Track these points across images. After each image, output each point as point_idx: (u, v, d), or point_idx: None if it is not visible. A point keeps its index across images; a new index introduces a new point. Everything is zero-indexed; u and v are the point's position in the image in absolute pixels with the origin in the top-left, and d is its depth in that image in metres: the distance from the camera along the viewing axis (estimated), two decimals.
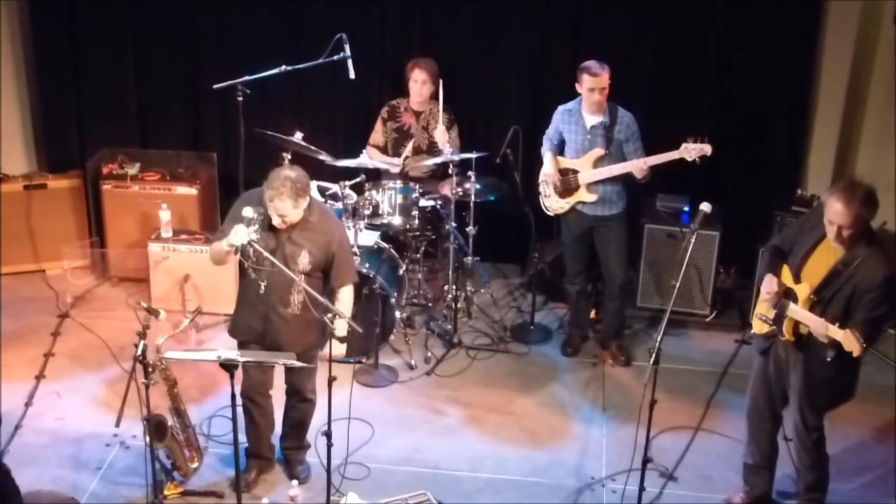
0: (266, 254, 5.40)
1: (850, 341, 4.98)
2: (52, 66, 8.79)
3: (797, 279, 5.44)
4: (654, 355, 5.30)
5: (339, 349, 5.55)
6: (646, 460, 5.53)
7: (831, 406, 5.62)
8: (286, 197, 5.31)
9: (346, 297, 5.82)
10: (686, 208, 7.84)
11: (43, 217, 8.49)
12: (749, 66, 8.11)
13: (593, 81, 6.85)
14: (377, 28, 8.19)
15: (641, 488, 5.61)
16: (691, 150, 6.78)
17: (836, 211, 5.07)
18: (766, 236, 7.71)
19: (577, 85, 6.97)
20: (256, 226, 5.36)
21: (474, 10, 8.29)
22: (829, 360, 5.10)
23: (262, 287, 5.68)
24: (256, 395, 6.01)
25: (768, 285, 5.44)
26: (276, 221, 5.44)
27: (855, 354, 5.00)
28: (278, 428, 6.28)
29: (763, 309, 5.54)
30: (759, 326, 5.67)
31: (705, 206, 5.68)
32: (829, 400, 5.58)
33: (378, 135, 7.89)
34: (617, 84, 6.99)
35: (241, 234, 5.32)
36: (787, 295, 5.45)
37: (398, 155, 7.86)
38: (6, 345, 7.47)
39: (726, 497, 6.12)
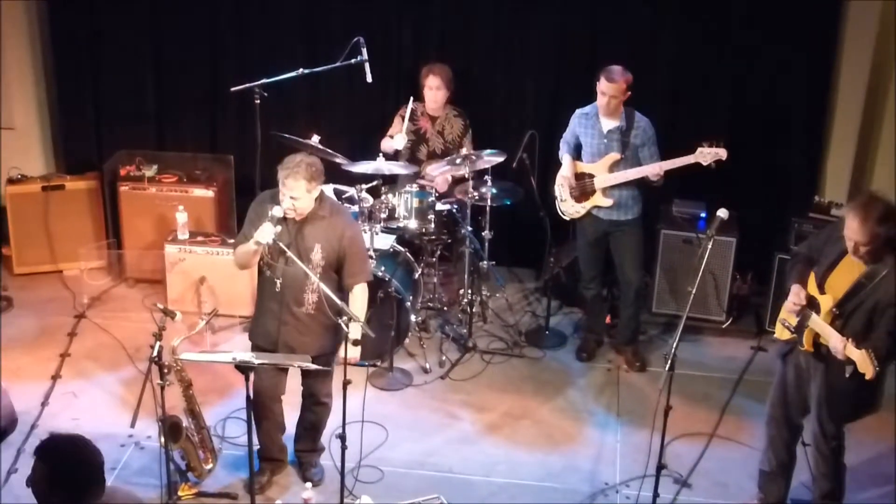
0: (288, 252, 5.46)
1: (864, 362, 4.96)
2: (70, 68, 8.84)
3: (821, 290, 5.40)
4: (669, 361, 5.28)
5: (353, 353, 5.56)
6: (660, 466, 5.52)
7: (853, 417, 5.58)
8: (300, 176, 5.37)
9: (360, 297, 5.81)
10: (703, 214, 7.83)
11: (60, 218, 8.52)
12: (767, 72, 8.08)
13: (607, 87, 6.85)
14: (394, 32, 8.20)
15: (655, 495, 5.60)
16: (706, 155, 6.75)
17: (852, 228, 5.07)
18: (783, 243, 7.74)
19: (598, 81, 6.97)
20: (280, 227, 5.44)
21: (490, 14, 8.29)
22: (847, 375, 5.10)
23: (278, 284, 5.72)
24: (268, 398, 6.01)
25: (796, 296, 5.41)
26: (286, 205, 5.46)
27: (868, 377, 4.97)
28: (291, 430, 6.29)
29: (786, 315, 5.52)
30: (781, 332, 5.64)
31: (722, 213, 5.67)
32: (851, 411, 5.54)
33: (397, 128, 7.84)
34: (634, 88, 6.97)
35: (267, 232, 5.40)
36: (810, 304, 5.42)
37: (414, 156, 7.89)
38: (23, 345, 7.53)
39: (741, 503, 6.13)
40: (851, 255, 5.19)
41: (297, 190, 5.41)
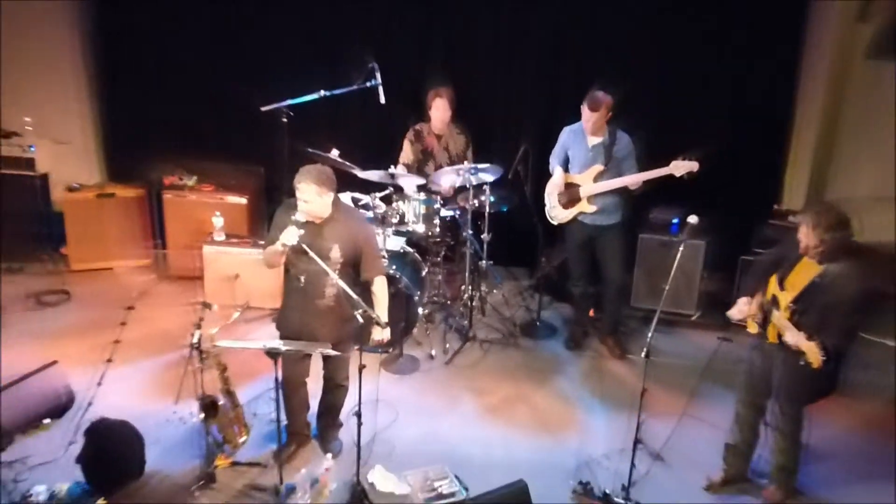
0: (310, 252, 5.51)
1: (812, 354, 5.09)
2: (119, 90, 8.90)
3: (781, 286, 5.52)
4: (645, 350, 5.37)
5: (382, 335, 5.67)
6: (636, 442, 5.58)
7: (810, 401, 5.63)
8: (311, 181, 5.48)
9: (380, 288, 5.90)
10: (676, 220, 7.87)
11: (111, 222, 8.57)
12: (735, 95, 8.13)
13: (587, 115, 6.98)
14: (403, 58, 8.24)
15: (632, 466, 5.66)
16: (680, 167, 6.82)
17: (803, 232, 5.26)
18: (747, 246, 7.80)
19: (582, 105, 7.03)
20: (303, 230, 5.51)
21: (490, 40, 8.34)
22: (801, 363, 5.17)
23: (302, 280, 5.79)
24: (294, 380, 6.08)
25: (738, 311, 5.65)
26: (301, 208, 5.56)
27: (814, 366, 5.08)
28: (314, 408, 6.35)
29: (752, 315, 5.65)
30: (751, 326, 5.75)
31: (693, 219, 5.75)
32: (809, 395, 5.60)
33: (408, 154, 7.92)
34: (618, 106, 7.05)
35: (291, 234, 5.48)
36: (773, 301, 5.55)
37: (421, 170, 7.93)
38: (79, 333, 7.59)
39: (707, 475, 6.14)
40: (805, 255, 5.32)
41: (309, 193, 5.51)
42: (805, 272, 5.42)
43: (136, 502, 4.00)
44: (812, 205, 5.43)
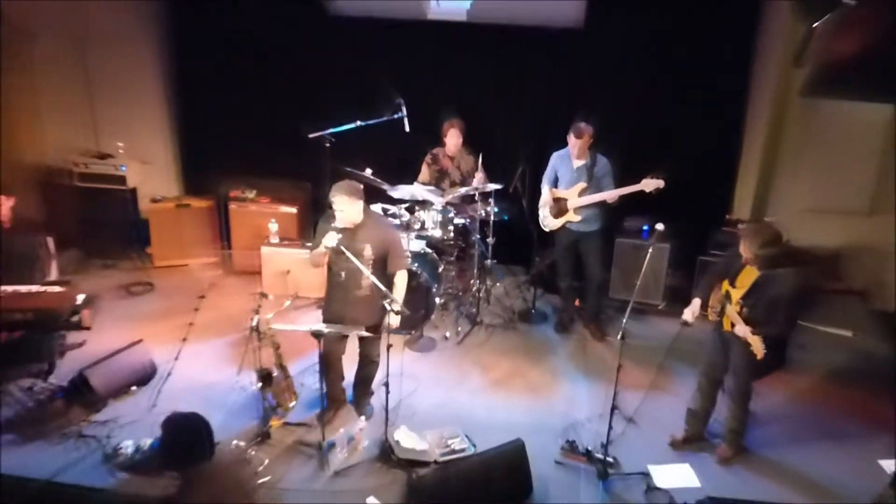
0: (346, 252, 5.55)
1: (756, 346, 5.18)
2: (193, 117, 8.93)
3: (732, 284, 5.55)
4: (621, 333, 5.37)
5: (395, 321, 5.66)
6: (613, 407, 5.57)
7: (758, 376, 5.65)
8: (343, 193, 5.57)
9: (400, 280, 5.88)
10: (646, 227, 7.83)
11: (188, 227, 8.58)
12: (694, 124, 8.07)
13: (573, 141, 6.98)
14: (425, 95, 8.20)
15: (609, 427, 5.65)
16: (650, 184, 6.80)
17: (742, 246, 5.33)
18: (704, 249, 7.79)
19: (568, 135, 7.01)
20: (340, 235, 5.53)
21: (493, 81, 8.32)
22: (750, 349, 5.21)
23: (342, 275, 5.80)
24: (334, 356, 6.09)
25: (690, 312, 5.66)
26: (338, 216, 5.62)
27: (759, 357, 5.18)
28: (350, 378, 6.33)
29: (714, 304, 5.68)
30: (711, 315, 5.76)
31: (659, 226, 5.76)
32: (758, 371, 5.60)
33: (425, 175, 7.89)
34: (597, 135, 7.04)
35: (331, 239, 5.53)
36: (727, 297, 5.58)
37: (438, 186, 7.88)
38: (160, 317, 7.61)
39: (671, 434, 6.13)
40: (747, 262, 5.37)
41: (342, 203, 5.57)
42: (749, 275, 5.44)
43: (205, 477, 3.98)
44: (749, 224, 5.45)
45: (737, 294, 5.47)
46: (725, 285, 5.61)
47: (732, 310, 5.45)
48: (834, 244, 8.28)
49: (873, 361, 7.25)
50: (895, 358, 7.31)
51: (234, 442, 5.82)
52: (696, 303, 5.69)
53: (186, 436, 3.94)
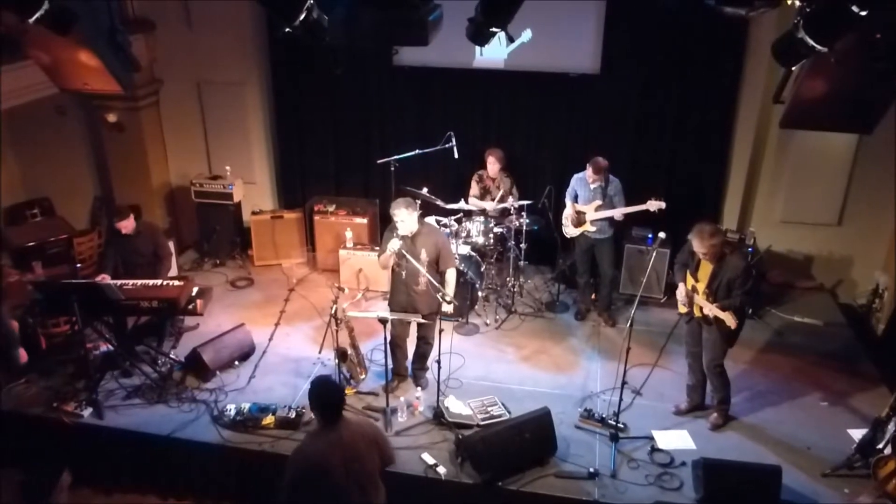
0: (407, 255, 5.57)
1: (729, 319, 5.24)
2: (286, 145, 8.95)
3: (695, 278, 5.58)
4: (630, 320, 5.31)
5: (448, 309, 5.68)
6: (623, 382, 5.52)
7: (730, 343, 5.60)
8: (401, 206, 5.59)
9: (451, 276, 5.88)
10: (650, 236, 7.68)
11: (281, 234, 8.59)
12: (688, 151, 7.95)
13: (590, 173, 6.90)
14: (470, 128, 8.17)
15: (620, 399, 5.60)
16: (653, 205, 6.75)
17: (695, 246, 5.40)
18: None
19: (587, 165, 6.96)
20: (402, 241, 5.55)
21: (526, 117, 8.24)
22: (716, 331, 5.41)
23: (404, 274, 5.79)
24: (398, 338, 6.09)
25: (680, 294, 5.70)
26: (399, 226, 5.62)
27: (732, 327, 5.27)
28: (410, 356, 6.33)
29: (681, 301, 5.72)
30: (681, 308, 5.78)
31: (661, 234, 5.72)
32: (728, 340, 5.56)
33: (475, 190, 7.81)
34: (611, 160, 6.97)
35: (395, 244, 5.56)
36: (693, 289, 5.60)
37: (482, 201, 7.83)
38: (258, 306, 7.69)
39: (675, 404, 6.06)
40: (703, 259, 5.45)
41: (401, 215, 5.59)
42: (706, 268, 5.48)
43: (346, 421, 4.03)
44: (695, 227, 5.42)
45: (701, 286, 5.50)
46: (690, 281, 5.61)
47: (700, 298, 5.48)
48: (807, 250, 8.09)
49: (840, 346, 7.06)
50: (859, 343, 7.13)
51: None
52: (682, 287, 5.68)
53: (323, 391, 3.98)
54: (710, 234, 5.31)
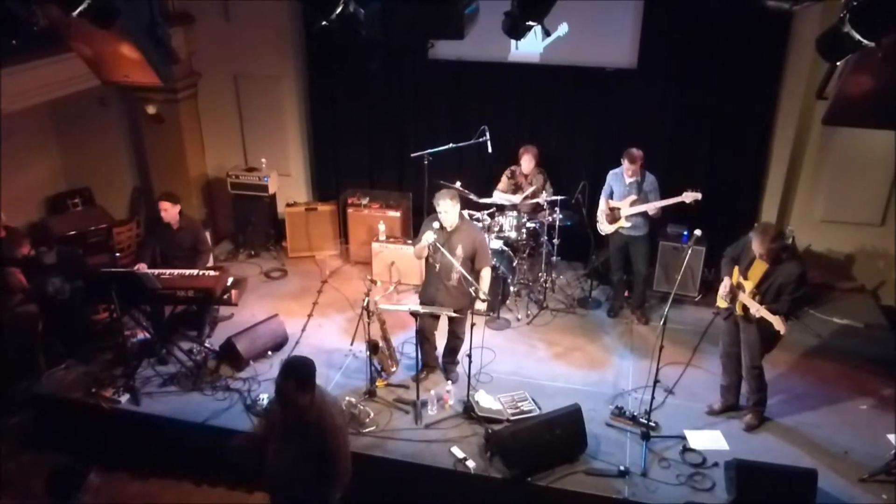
0: (442, 249, 5.58)
1: (778, 324, 5.08)
2: (321, 139, 9.00)
3: (745, 277, 5.42)
4: (663, 319, 5.27)
5: (481, 306, 5.68)
6: (655, 381, 5.46)
7: (769, 348, 5.51)
8: (446, 197, 5.57)
9: (486, 275, 5.86)
10: (685, 233, 7.58)
11: (315, 226, 8.64)
12: (728, 147, 7.82)
13: (626, 165, 6.83)
14: (504, 122, 8.12)
15: (652, 398, 5.56)
16: (689, 196, 6.61)
17: (755, 244, 5.24)
18: None
19: (622, 158, 6.88)
20: (438, 234, 5.59)
21: (561, 114, 8.18)
22: (758, 329, 5.32)
23: (437, 267, 5.79)
24: (429, 332, 6.10)
25: (724, 287, 5.53)
26: (441, 217, 5.61)
27: (782, 333, 5.13)
28: (440, 349, 6.33)
29: (721, 295, 5.57)
30: (720, 303, 5.64)
31: (697, 232, 5.65)
32: (766, 344, 5.46)
33: (503, 184, 7.76)
34: (647, 155, 6.87)
35: (430, 237, 5.59)
36: (738, 286, 5.45)
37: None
38: (292, 297, 7.73)
39: (708, 403, 5.98)
40: (759, 259, 5.28)
41: (446, 206, 5.56)
42: (759, 267, 5.32)
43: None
44: (758, 225, 5.36)
45: (749, 284, 5.34)
46: (737, 277, 5.47)
47: (746, 296, 5.34)
48: (848, 250, 7.91)
49: (882, 349, 6.87)
50: None
51: (346, 399, 5.88)
52: (727, 280, 5.54)
53: (309, 366, 3.96)
54: (772, 239, 5.16)
